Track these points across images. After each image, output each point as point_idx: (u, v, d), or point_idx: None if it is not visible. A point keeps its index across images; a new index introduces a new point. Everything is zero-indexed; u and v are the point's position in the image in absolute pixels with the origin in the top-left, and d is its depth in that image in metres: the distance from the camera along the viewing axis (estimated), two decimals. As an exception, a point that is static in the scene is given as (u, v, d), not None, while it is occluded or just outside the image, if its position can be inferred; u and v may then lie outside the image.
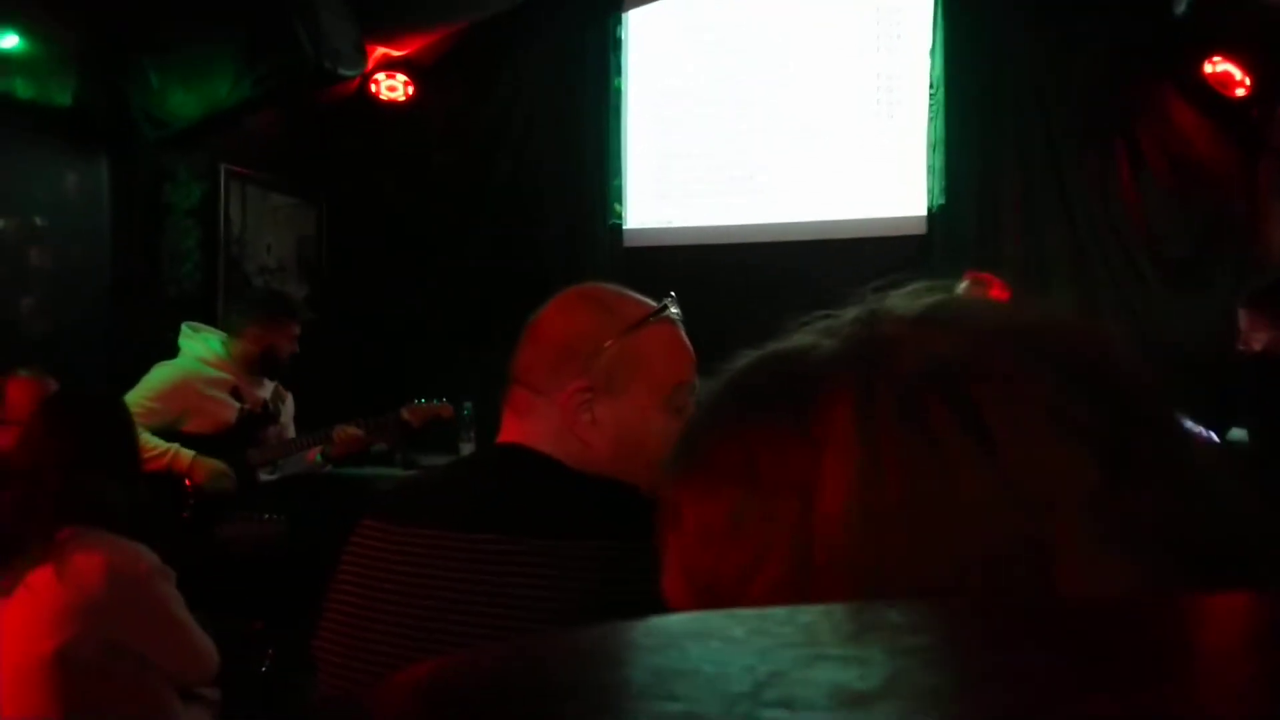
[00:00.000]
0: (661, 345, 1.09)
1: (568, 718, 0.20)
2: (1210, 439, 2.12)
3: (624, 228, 4.61)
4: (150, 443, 2.96)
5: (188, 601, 1.91)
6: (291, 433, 3.40)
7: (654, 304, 1.10)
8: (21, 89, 3.36)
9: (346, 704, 0.23)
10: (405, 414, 3.36)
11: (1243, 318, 2.85)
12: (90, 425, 1.95)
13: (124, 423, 2.04)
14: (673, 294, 1.12)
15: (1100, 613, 0.24)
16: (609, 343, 1.05)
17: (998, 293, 2.90)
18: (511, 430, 1.08)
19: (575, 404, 1.04)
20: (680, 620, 0.25)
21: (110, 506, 1.86)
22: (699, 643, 0.24)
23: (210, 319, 3.50)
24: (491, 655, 0.26)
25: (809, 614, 0.24)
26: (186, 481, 3.03)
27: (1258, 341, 2.79)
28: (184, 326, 3.25)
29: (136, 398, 3.00)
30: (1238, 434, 2.84)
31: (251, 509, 3.14)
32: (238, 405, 3.17)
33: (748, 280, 4.16)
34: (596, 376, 1.04)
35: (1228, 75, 3.86)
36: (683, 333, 1.12)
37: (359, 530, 1.07)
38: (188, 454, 3.02)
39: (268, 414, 3.27)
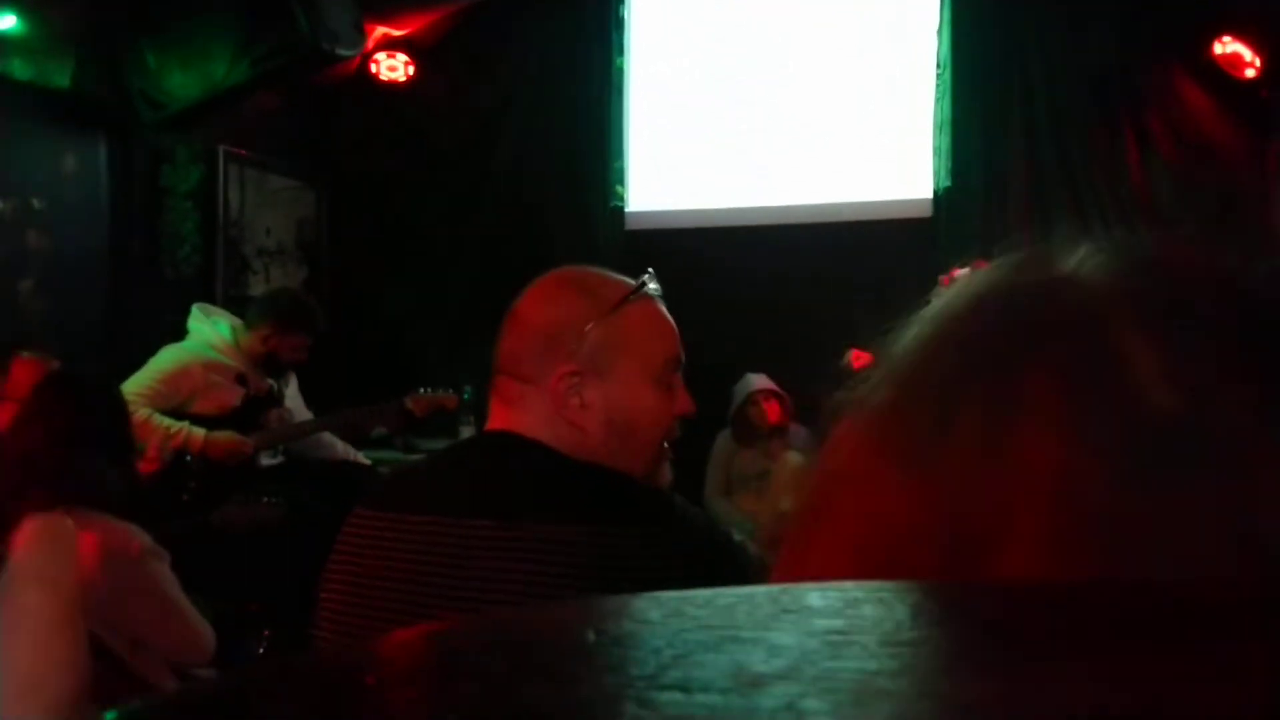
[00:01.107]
0: (645, 322, 1.08)
1: (460, 697, 0.19)
2: None
3: (626, 210, 4.57)
4: (163, 423, 2.97)
5: (185, 583, 1.91)
6: (299, 411, 3.41)
7: (633, 282, 1.09)
8: (19, 70, 3.36)
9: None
10: (410, 404, 3.34)
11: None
12: (84, 407, 1.95)
13: (117, 405, 2.05)
14: (650, 270, 1.12)
15: (1035, 597, 0.22)
16: (591, 325, 1.04)
17: None
18: (501, 419, 1.08)
19: (564, 389, 1.04)
20: (604, 602, 0.25)
21: (103, 488, 1.86)
22: (615, 624, 0.23)
23: (209, 301, 3.50)
24: (417, 632, 0.25)
25: (729, 596, 0.23)
26: (187, 460, 3.04)
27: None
28: (195, 309, 3.25)
29: (145, 380, 3.02)
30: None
31: (250, 492, 3.15)
32: (242, 389, 3.17)
33: (751, 263, 4.13)
34: (583, 360, 1.04)
35: (1237, 56, 3.82)
36: (664, 308, 1.11)
37: (351, 519, 1.08)
38: (200, 432, 3.03)
39: (271, 397, 3.28)
